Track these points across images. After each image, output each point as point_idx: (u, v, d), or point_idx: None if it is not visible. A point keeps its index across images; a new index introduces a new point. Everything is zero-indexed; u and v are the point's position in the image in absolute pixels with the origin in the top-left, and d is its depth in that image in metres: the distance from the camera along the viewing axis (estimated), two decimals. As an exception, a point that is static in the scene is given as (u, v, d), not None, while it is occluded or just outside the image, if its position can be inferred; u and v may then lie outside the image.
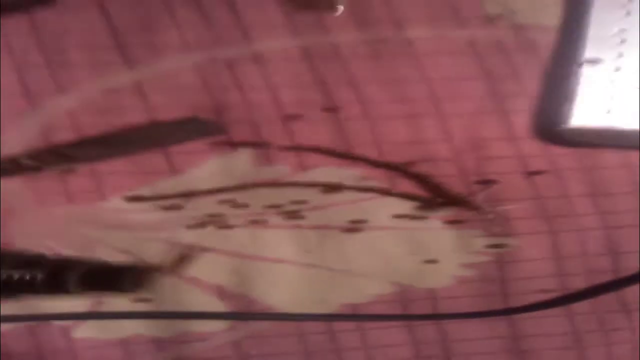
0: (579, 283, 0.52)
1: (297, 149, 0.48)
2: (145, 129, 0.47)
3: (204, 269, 0.50)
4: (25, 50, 0.46)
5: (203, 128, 0.47)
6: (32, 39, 0.46)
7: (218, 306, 0.50)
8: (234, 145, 0.48)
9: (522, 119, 0.49)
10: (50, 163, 0.47)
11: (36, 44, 0.47)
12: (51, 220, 0.48)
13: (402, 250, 0.50)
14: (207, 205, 0.49)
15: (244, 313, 0.50)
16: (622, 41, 0.47)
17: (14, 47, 0.47)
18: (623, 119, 0.48)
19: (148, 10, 0.47)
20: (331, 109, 0.48)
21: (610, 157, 0.50)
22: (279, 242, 0.50)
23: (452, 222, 0.50)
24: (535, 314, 0.52)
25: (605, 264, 0.52)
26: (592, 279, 0.52)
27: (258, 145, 0.48)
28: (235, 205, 0.49)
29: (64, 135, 0.47)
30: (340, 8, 0.47)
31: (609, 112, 0.47)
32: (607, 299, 0.52)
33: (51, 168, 0.47)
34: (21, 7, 0.46)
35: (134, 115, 0.47)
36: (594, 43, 0.47)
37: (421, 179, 0.49)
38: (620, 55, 0.47)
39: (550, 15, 0.48)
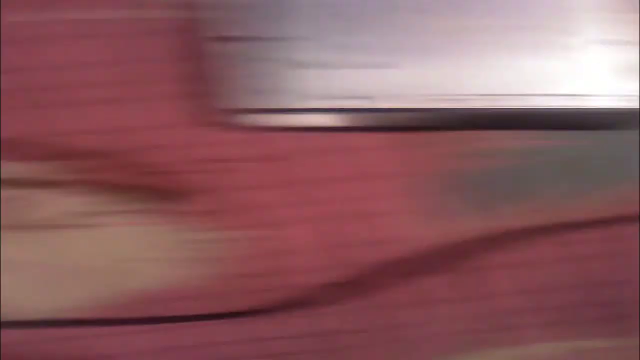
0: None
1: None
2: None
3: None
4: None
5: None
6: None
7: None
8: None
9: (173, 104, 0.48)
10: None
11: None
12: None
13: (96, 250, 0.48)
14: None
15: None
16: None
17: None
18: (300, 96, 0.46)
19: None
20: None
21: (315, 141, 0.48)
22: None
23: (141, 218, 0.48)
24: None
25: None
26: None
27: None
28: None
29: None
30: None
31: (274, 91, 0.46)
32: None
33: None
34: None
35: None
36: (231, 19, 0.46)
37: (89, 172, 0.47)
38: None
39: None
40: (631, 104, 0.47)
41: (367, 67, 0.46)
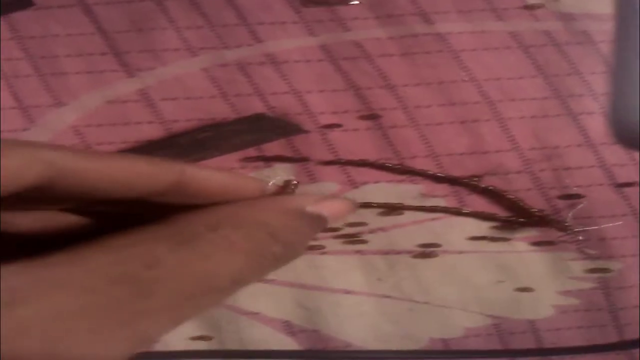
0: None
1: (342, 163, 0.44)
2: (209, 132, 0.43)
3: (265, 302, 0.45)
4: (11, 59, 0.44)
5: (277, 126, 0.43)
6: (16, 46, 0.44)
7: (287, 343, 0.46)
8: (267, 160, 0.44)
9: (595, 121, 0.44)
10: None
11: (22, 52, 0.44)
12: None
13: (488, 277, 0.45)
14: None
15: (318, 351, 0.46)
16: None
17: (-2, 56, 0.44)
18: None
19: (138, 10, 0.44)
20: (370, 116, 0.44)
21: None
22: (342, 270, 0.45)
23: (540, 244, 0.44)
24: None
25: None
26: None
27: (295, 160, 0.44)
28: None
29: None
30: (355, 2, 0.44)
31: None
32: None
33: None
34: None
35: (146, 128, 0.44)
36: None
37: (494, 195, 0.44)
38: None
39: (600, 2, 0.44)
40: None
41: None
